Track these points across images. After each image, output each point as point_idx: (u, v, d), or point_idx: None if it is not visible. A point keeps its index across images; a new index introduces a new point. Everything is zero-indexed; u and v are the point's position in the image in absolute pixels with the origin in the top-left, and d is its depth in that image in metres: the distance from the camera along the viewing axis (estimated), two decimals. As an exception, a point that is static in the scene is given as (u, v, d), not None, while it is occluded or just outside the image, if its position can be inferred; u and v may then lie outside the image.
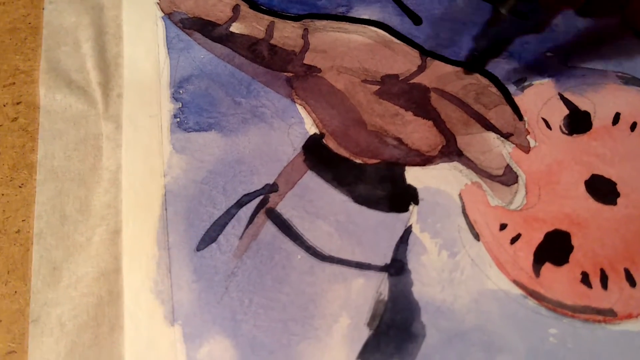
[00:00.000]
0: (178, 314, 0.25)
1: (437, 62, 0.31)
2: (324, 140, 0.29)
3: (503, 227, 0.27)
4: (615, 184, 0.28)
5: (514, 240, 0.26)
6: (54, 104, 0.30)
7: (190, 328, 0.25)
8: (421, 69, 0.31)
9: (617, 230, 0.26)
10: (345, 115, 0.29)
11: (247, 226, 0.27)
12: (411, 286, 0.25)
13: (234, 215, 0.27)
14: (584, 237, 0.26)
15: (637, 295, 0.25)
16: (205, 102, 0.30)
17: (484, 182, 0.28)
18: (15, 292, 0.26)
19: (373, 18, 0.32)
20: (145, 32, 0.32)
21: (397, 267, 0.26)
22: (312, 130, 0.29)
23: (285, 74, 0.31)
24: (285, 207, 0.27)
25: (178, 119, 0.29)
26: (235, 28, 0.32)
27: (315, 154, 0.28)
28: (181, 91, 0.30)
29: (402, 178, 0.28)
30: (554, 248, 0.26)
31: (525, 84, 0.30)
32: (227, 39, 0.32)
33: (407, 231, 0.27)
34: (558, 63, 0.30)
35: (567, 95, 0.30)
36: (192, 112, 0.29)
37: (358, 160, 0.28)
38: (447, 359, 0.24)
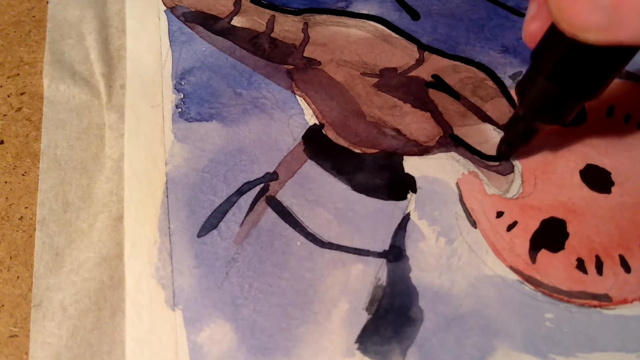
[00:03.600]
0: (179, 298, 0.25)
1: (434, 56, 0.32)
2: (323, 131, 0.29)
3: (500, 214, 0.27)
4: (609, 173, 0.28)
5: (510, 227, 0.27)
6: (57, 94, 0.30)
7: (191, 312, 0.25)
8: (419, 62, 0.31)
9: (612, 217, 0.27)
10: (344, 106, 0.30)
11: (247, 213, 0.27)
12: (409, 272, 0.26)
13: (235, 202, 0.27)
14: (580, 224, 0.27)
15: (631, 281, 0.25)
16: (206, 93, 0.30)
17: (481, 172, 0.28)
18: (18, 277, 0.26)
19: (372, 13, 0.33)
20: (148, 25, 0.32)
21: (395, 254, 0.26)
22: (311, 121, 0.30)
23: (286, 66, 0.31)
24: (286, 195, 0.28)
25: (180, 109, 0.30)
26: (236, 22, 0.33)
27: (315, 143, 0.29)
28: (183, 82, 0.31)
29: (401, 167, 0.28)
30: (550, 235, 0.27)
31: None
32: (228, 32, 0.32)
33: (405, 218, 0.27)
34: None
35: (562, 88, 0.30)
36: (193, 102, 0.30)
37: (357, 150, 0.29)
38: (445, 342, 0.24)
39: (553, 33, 0.22)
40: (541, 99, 0.24)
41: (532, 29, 0.24)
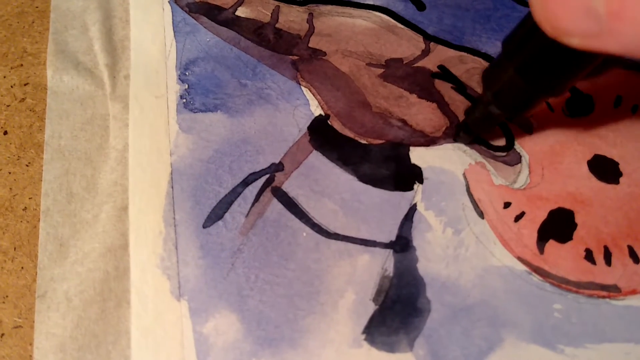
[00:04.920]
0: (184, 289, 0.25)
1: (440, 47, 0.31)
2: (329, 122, 0.29)
3: (507, 205, 0.27)
4: (617, 163, 0.28)
5: (518, 218, 0.27)
6: (61, 85, 0.30)
7: (196, 303, 0.25)
8: (425, 53, 0.31)
9: (620, 208, 0.27)
10: (350, 97, 0.30)
11: (253, 204, 0.27)
12: (416, 262, 0.26)
13: (240, 193, 0.27)
14: (588, 215, 0.27)
15: (640, 272, 0.25)
16: (211, 84, 0.30)
17: (488, 162, 0.28)
18: (22, 268, 0.26)
19: (377, 4, 0.33)
20: (152, 16, 0.32)
21: (402, 244, 0.26)
22: (317, 111, 0.29)
23: (291, 57, 0.31)
24: (291, 186, 0.27)
25: (184, 100, 0.29)
26: (241, 12, 0.32)
27: (321, 134, 0.29)
28: (187, 73, 0.30)
29: (407, 158, 0.28)
30: (558, 226, 0.26)
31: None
32: (233, 23, 0.32)
33: (412, 209, 0.27)
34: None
35: (569, 79, 0.30)
36: (198, 93, 0.30)
37: (363, 141, 0.29)
38: (453, 333, 0.24)
39: (528, 26, 0.21)
40: (507, 90, 0.24)
41: None
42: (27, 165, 0.28)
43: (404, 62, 0.31)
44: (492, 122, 0.26)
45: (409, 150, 0.28)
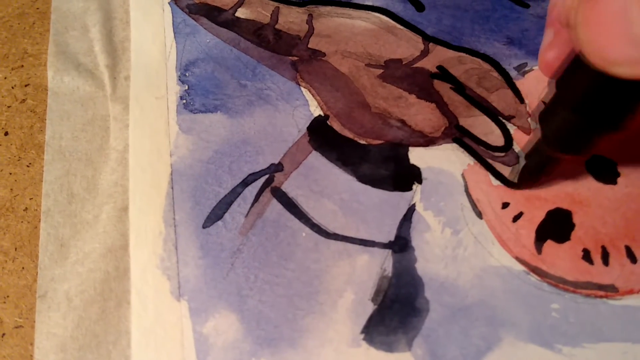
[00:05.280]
0: (184, 289, 0.25)
1: (439, 47, 0.32)
2: (328, 122, 0.29)
3: (505, 205, 0.27)
4: (615, 163, 0.28)
5: (516, 218, 0.27)
6: (62, 86, 0.30)
7: (196, 303, 0.25)
8: (424, 53, 0.31)
9: (618, 208, 0.27)
10: (349, 97, 0.30)
11: (252, 204, 0.27)
12: (415, 262, 0.26)
13: (240, 193, 0.27)
14: (585, 215, 0.27)
15: (638, 271, 0.25)
16: (211, 85, 0.30)
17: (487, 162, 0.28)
18: (23, 268, 0.26)
19: (376, 4, 0.33)
20: (152, 17, 0.32)
21: (401, 244, 0.26)
22: (316, 112, 0.29)
23: (290, 57, 0.31)
24: (291, 186, 0.28)
25: (184, 101, 0.30)
26: (240, 13, 0.32)
27: (320, 135, 0.29)
28: (187, 74, 0.30)
29: (406, 158, 0.28)
30: (556, 226, 0.26)
31: (526, 69, 0.31)
32: (232, 24, 0.32)
33: (411, 209, 0.27)
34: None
35: (568, 79, 0.30)
36: (198, 94, 0.30)
37: (362, 141, 0.29)
38: (451, 333, 0.24)
39: (578, 64, 0.21)
40: (565, 131, 0.23)
41: (549, 57, 0.23)
42: (28, 166, 0.28)
43: (403, 63, 0.31)
44: (553, 164, 0.26)
45: (408, 150, 0.28)
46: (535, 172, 0.27)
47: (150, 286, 0.25)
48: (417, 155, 0.28)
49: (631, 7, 0.17)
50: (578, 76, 0.22)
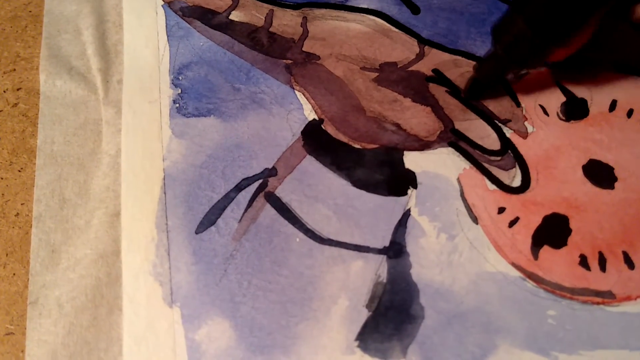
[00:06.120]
0: (177, 295, 0.25)
1: (435, 51, 0.31)
2: (323, 126, 0.29)
3: (501, 210, 0.27)
4: (612, 168, 0.28)
5: (512, 223, 0.26)
6: (54, 89, 0.30)
7: (189, 310, 0.25)
8: (419, 57, 0.31)
9: (615, 214, 0.27)
10: (344, 101, 0.30)
11: (246, 209, 0.27)
12: (410, 268, 0.26)
13: (233, 199, 0.27)
14: (582, 220, 0.26)
15: (635, 278, 0.25)
16: (204, 88, 0.30)
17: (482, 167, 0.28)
18: (14, 274, 0.26)
19: (372, 7, 0.33)
20: (146, 20, 0.32)
21: (395, 250, 0.26)
22: (311, 116, 0.29)
23: (285, 61, 0.31)
24: (284, 191, 0.27)
25: (177, 105, 0.29)
26: (234, 16, 0.32)
27: (314, 139, 0.29)
28: (181, 77, 0.30)
29: (401, 163, 0.28)
30: (553, 231, 0.26)
31: (523, 72, 0.30)
32: (226, 27, 0.32)
33: (406, 214, 0.27)
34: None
35: (564, 82, 0.30)
36: (191, 97, 0.30)
37: (357, 145, 0.28)
38: (446, 340, 0.24)
39: None
40: (517, 42, 0.25)
41: None
42: (19, 171, 0.28)
43: (398, 66, 0.31)
44: (501, 76, 0.28)
45: (403, 154, 0.28)
46: (483, 83, 0.28)
47: (143, 292, 0.25)
48: (412, 160, 0.28)
49: None
50: None
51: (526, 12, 0.24)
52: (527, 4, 0.24)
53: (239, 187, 0.27)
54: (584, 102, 0.29)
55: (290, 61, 0.31)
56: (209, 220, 0.27)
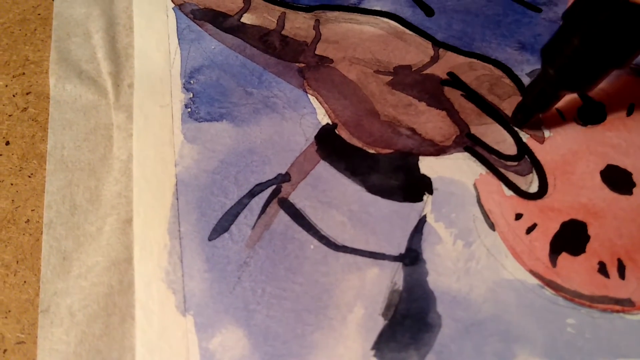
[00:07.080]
0: (190, 303, 0.25)
1: (450, 53, 0.31)
2: (336, 131, 0.28)
3: (519, 217, 0.26)
4: (630, 174, 0.27)
5: (529, 230, 0.26)
6: (64, 94, 0.29)
7: (202, 318, 0.24)
8: (434, 59, 0.31)
9: (634, 219, 0.26)
10: (358, 105, 0.29)
11: (259, 216, 0.26)
12: (426, 276, 0.25)
13: (246, 205, 0.27)
14: (601, 226, 0.26)
15: (655, 285, 0.25)
16: (216, 92, 0.30)
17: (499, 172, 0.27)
18: (25, 282, 0.26)
19: (385, 9, 0.32)
20: (156, 23, 0.32)
21: (411, 257, 0.26)
22: (324, 120, 0.29)
23: (297, 64, 0.30)
24: (298, 197, 0.27)
25: (189, 109, 0.29)
26: (246, 19, 0.32)
27: (328, 144, 0.28)
28: (192, 81, 0.30)
29: (416, 168, 0.28)
30: (571, 238, 0.26)
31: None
32: (238, 30, 0.31)
33: (422, 221, 0.26)
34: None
35: (581, 86, 0.30)
36: (203, 102, 0.29)
37: (371, 150, 0.28)
38: (464, 349, 0.24)
39: None
40: (570, 62, 0.24)
41: None
42: (29, 177, 0.28)
43: (413, 69, 0.30)
44: (551, 101, 0.26)
45: (418, 160, 0.28)
46: (531, 108, 0.27)
47: (155, 300, 0.25)
48: (427, 165, 0.28)
49: None
50: (589, 4, 0.22)
51: (582, 32, 0.23)
52: (583, 24, 0.23)
53: (252, 193, 0.27)
54: (601, 106, 0.29)
55: (303, 64, 0.30)
56: (222, 226, 0.26)
